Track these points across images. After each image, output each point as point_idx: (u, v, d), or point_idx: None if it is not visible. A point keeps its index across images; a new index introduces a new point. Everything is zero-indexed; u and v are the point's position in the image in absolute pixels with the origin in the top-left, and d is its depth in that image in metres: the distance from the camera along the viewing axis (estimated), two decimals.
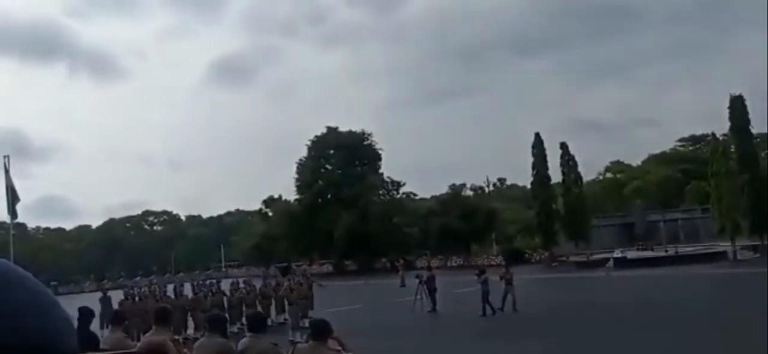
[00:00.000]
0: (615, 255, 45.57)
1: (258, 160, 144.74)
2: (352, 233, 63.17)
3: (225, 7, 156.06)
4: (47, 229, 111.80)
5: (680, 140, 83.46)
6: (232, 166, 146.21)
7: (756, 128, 47.92)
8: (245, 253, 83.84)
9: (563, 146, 55.09)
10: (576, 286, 32.99)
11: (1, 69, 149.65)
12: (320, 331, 6.44)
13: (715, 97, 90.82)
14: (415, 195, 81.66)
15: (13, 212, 19.95)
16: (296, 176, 73.78)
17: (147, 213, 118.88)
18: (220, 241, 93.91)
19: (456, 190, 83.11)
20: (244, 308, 21.35)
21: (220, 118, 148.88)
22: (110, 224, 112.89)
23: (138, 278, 63.36)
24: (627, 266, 41.53)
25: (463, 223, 62.55)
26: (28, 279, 0.74)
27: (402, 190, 76.36)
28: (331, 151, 73.20)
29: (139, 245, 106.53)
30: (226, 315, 19.47)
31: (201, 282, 28.77)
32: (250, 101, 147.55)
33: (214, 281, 27.41)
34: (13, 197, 19.68)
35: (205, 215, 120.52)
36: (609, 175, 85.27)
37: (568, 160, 54.66)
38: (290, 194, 76.48)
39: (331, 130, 73.60)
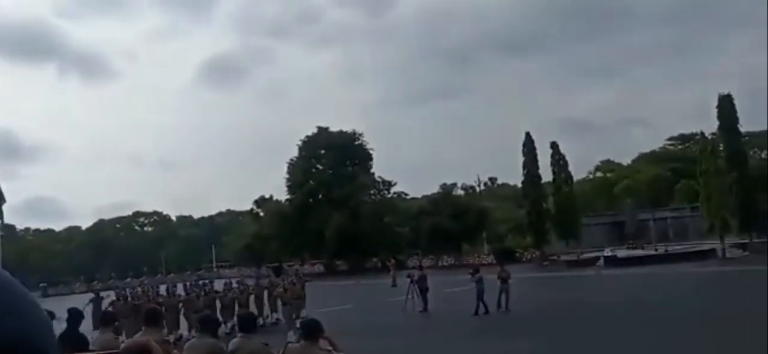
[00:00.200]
0: (605, 254, 45.76)
1: (249, 160, 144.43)
2: (343, 233, 63.14)
3: (215, 8, 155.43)
4: (37, 230, 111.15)
5: (669, 139, 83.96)
6: (223, 166, 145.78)
7: (744, 127, 48.34)
8: (236, 254, 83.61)
9: (554, 146, 55.30)
10: (567, 285, 33.11)
11: None
12: (311, 330, 6.45)
13: (704, 96, 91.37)
14: (406, 195, 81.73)
15: None
16: (287, 176, 73.71)
17: (137, 214, 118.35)
18: (212, 241, 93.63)
19: (447, 189, 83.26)
20: (237, 308, 21.32)
21: (211, 118, 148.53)
22: (100, 225, 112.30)
23: (128, 279, 62.99)
24: (617, 265, 41.74)
25: (454, 223, 62.65)
26: (7, 280, 0.75)
27: (393, 189, 76.44)
28: (322, 151, 73.14)
29: (129, 246, 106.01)
30: (219, 315, 19.54)
31: (193, 282, 28.70)
32: (241, 102, 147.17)
33: (207, 281, 27.36)
34: None
35: (196, 216, 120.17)
36: (599, 174, 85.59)
37: (558, 160, 54.86)
38: (281, 194, 76.44)
39: (322, 130, 73.53)
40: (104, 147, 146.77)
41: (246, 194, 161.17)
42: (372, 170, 73.67)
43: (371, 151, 73.71)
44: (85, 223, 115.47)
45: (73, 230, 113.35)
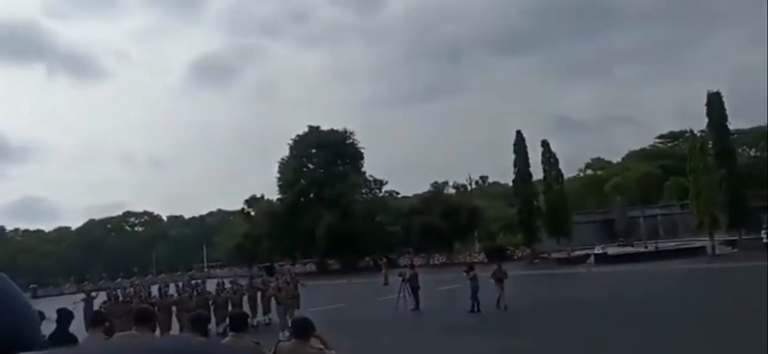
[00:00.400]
0: (596, 251, 45.96)
1: (240, 159, 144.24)
2: (335, 232, 63.06)
3: (205, 7, 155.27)
4: (26, 231, 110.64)
5: (659, 137, 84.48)
6: (213, 166, 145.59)
7: (733, 124, 48.65)
8: (228, 253, 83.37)
9: (544, 144, 55.42)
10: (558, 283, 33.25)
11: None
12: (303, 329, 6.46)
13: (694, 94, 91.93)
14: (397, 193, 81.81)
15: None
16: (278, 175, 73.55)
17: (128, 214, 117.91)
18: (202, 241, 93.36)
19: (438, 188, 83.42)
20: (230, 308, 21.29)
21: (202, 117, 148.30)
22: (90, 225, 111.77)
23: (119, 279, 62.74)
24: (607, 262, 41.90)
25: (445, 222, 62.73)
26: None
27: (384, 188, 76.45)
28: (313, 150, 73.03)
29: (119, 246, 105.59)
30: (212, 315, 19.52)
31: (185, 282, 28.61)
32: (231, 101, 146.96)
33: (200, 281, 27.30)
34: None
35: (186, 216, 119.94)
36: (589, 171, 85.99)
37: (549, 158, 54.98)
38: (272, 194, 76.24)
39: (313, 129, 73.42)
40: (94, 147, 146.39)
41: (237, 194, 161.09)
42: (363, 169, 73.68)
43: (362, 150, 73.74)
44: (75, 224, 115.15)
45: (63, 231, 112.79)
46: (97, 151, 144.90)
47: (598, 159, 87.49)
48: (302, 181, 72.19)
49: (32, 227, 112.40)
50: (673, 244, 47.27)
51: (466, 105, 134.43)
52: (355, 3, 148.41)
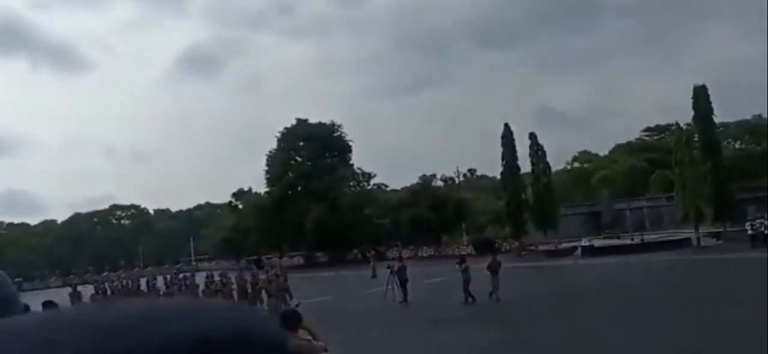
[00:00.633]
0: (583, 243, 46.20)
1: (227, 152, 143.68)
2: (323, 225, 62.98)
3: None
4: (11, 224, 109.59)
5: (645, 130, 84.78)
6: (200, 159, 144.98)
7: (719, 118, 48.97)
8: (215, 247, 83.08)
9: (532, 136, 55.55)
10: (546, 275, 33.39)
11: None
12: (290, 320, 6.46)
13: (680, 88, 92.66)
14: (385, 186, 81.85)
15: None
16: (266, 168, 73.34)
17: (114, 207, 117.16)
18: (190, 234, 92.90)
19: (426, 180, 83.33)
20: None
21: (188, 110, 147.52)
22: (76, 219, 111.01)
23: (106, 273, 62.42)
24: (594, 254, 42.15)
25: (433, 214, 62.79)
26: None
27: (372, 181, 76.44)
28: (301, 143, 72.82)
29: (106, 240, 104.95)
30: None
31: (174, 275, 28.53)
32: (218, 94, 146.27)
33: (188, 274, 27.21)
34: None
35: (173, 209, 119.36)
36: (576, 164, 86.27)
37: (536, 151, 55.13)
38: (260, 187, 76.05)
39: (301, 122, 73.20)
40: (80, 140, 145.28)
41: (224, 187, 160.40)
42: (351, 162, 73.62)
43: (350, 143, 73.67)
44: (61, 217, 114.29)
45: (49, 224, 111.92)
46: (82, 145, 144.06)
47: (585, 152, 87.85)
48: (290, 173, 71.99)
49: (17, 221, 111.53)
50: (658, 236, 47.57)
51: (454, 97, 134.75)
52: None
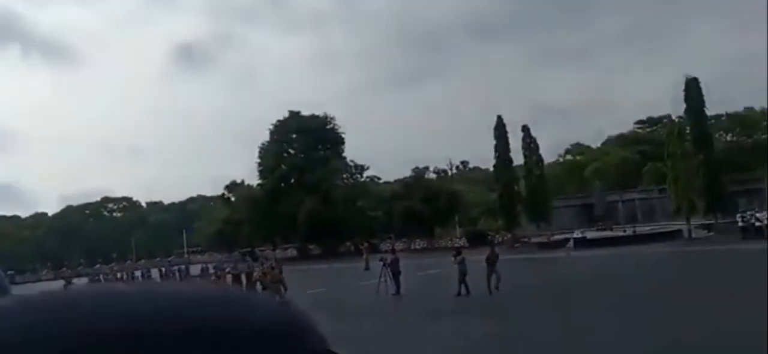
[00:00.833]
0: (575, 235, 46.34)
1: (220, 145, 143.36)
2: (316, 217, 62.95)
3: None
4: (3, 217, 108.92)
5: (638, 122, 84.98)
6: (193, 151, 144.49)
7: (710, 110, 49.14)
8: (208, 239, 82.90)
9: (525, 129, 55.63)
10: (539, 267, 33.47)
11: None
12: None
13: (672, 81, 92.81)
14: (378, 179, 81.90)
15: None
16: (259, 161, 73.20)
17: (106, 199, 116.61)
18: (182, 227, 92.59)
19: (419, 173, 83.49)
20: None
21: (182, 103, 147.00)
22: (67, 212, 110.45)
23: (98, 265, 62.19)
24: (587, 246, 42.29)
25: (426, 207, 62.84)
26: None
27: (365, 173, 76.47)
28: (294, 136, 72.69)
29: (98, 232, 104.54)
30: None
31: (168, 267, 28.51)
32: (211, 87, 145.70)
33: (183, 266, 27.19)
34: None
35: (166, 201, 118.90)
36: (569, 157, 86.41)
37: (529, 143, 55.21)
38: (253, 179, 75.92)
39: (294, 115, 73.05)
40: (72, 133, 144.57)
41: (217, 179, 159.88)
42: (344, 154, 73.64)
43: (343, 135, 73.65)
44: (53, 210, 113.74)
45: (40, 217, 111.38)
46: (74, 138, 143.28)
47: (578, 144, 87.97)
48: (283, 166, 71.89)
49: (9, 213, 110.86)
50: (650, 228, 47.77)
51: (447, 90, 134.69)
52: None
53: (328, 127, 73.16)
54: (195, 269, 24.94)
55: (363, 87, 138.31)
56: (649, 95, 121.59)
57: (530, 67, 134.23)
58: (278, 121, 73.31)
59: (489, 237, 57.43)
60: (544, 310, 17.18)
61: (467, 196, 72.39)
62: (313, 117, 72.98)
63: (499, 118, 56.49)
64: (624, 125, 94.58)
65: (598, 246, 41.43)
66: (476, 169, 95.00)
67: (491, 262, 21.83)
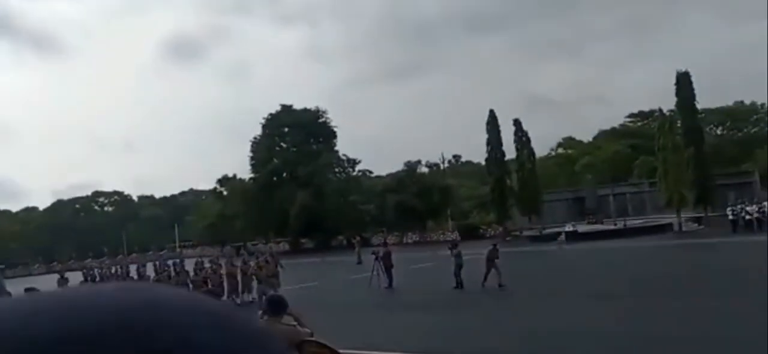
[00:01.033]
0: (567, 229, 46.51)
1: (212, 139, 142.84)
2: (308, 211, 62.95)
3: None
4: None
5: (629, 116, 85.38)
6: (185, 145, 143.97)
7: (701, 104, 49.38)
8: (200, 233, 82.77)
9: (517, 123, 55.76)
10: (531, 260, 33.60)
11: None
12: (276, 306, 6.47)
13: (663, 74, 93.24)
14: (370, 172, 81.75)
15: None
16: (251, 155, 73.01)
17: (97, 194, 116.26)
18: (174, 221, 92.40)
19: (411, 167, 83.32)
20: (210, 287, 21.23)
21: (173, 96, 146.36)
22: (59, 206, 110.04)
23: (89, 260, 61.98)
24: (578, 239, 42.48)
25: (418, 200, 62.89)
26: None
27: (358, 167, 76.37)
28: (286, 129, 72.58)
29: (89, 227, 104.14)
30: None
31: (162, 262, 28.48)
32: (203, 80, 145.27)
33: (178, 261, 27.14)
34: None
35: (157, 195, 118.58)
36: (561, 150, 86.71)
37: (521, 137, 55.36)
38: (245, 173, 75.72)
39: (286, 108, 72.90)
40: (62, 127, 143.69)
41: (209, 173, 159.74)
42: (336, 148, 73.53)
43: (335, 129, 73.57)
44: (43, 204, 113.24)
45: (31, 211, 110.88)
46: (65, 131, 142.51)
47: (570, 138, 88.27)
48: (275, 160, 71.81)
49: None
50: (641, 221, 48.02)
51: (439, 84, 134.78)
52: None
53: (320, 121, 73.08)
54: (189, 264, 24.78)
55: (355, 80, 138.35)
56: (640, 89, 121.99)
57: (522, 61, 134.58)
58: (270, 114, 73.19)
59: (480, 230, 57.83)
60: (535, 303, 17.30)
61: (459, 190, 72.56)
62: (306, 111, 72.89)
63: (492, 111, 56.65)
64: (615, 119, 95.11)
65: (590, 239, 41.64)
66: (468, 162, 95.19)
67: (491, 259, 21.45)
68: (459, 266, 21.45)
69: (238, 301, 22.55)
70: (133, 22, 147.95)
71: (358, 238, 46.31)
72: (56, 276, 26.43)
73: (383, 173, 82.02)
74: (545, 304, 16.98)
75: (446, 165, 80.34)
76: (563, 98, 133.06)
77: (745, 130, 74.13)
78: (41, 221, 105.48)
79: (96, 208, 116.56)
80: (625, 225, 45.86)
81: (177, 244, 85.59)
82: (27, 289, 8.29)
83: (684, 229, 43.76)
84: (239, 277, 23.22)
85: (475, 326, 14.53)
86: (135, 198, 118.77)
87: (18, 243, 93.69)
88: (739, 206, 40.89)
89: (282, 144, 73.19)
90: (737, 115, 74.56)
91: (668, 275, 20.89)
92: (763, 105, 73.17)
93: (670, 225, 44.68)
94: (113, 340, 0.34)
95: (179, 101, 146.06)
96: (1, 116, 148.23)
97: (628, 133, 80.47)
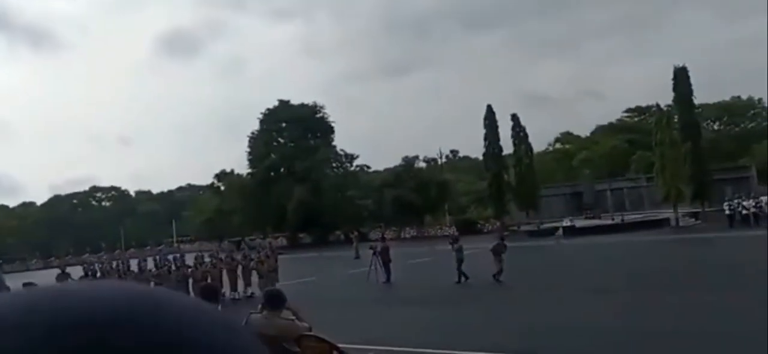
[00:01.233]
0: (564, 223, 46.58)
1: (209, 134, 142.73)
2: (306, 206, 62.97)
3: None
4: None
5: (626, 111, 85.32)
6: (182, 140, 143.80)
7: (699, 99, 49.42)
8: (197, 229, 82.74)
9: (514, 118, 55.79)
10: (530, 255, 33.62)
11: None
12: (274, 300, 6.48)
13: (660, 69, 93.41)
14: (368, 167, 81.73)
15: None
16: (248, 150, 73.03)
17: (94, 189, 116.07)
18: (172, 216, 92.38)
19: (409, 162, 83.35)
20: (210, 281, 21.25)
21: (170, 92, 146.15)
22: (55, 201, 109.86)
23: (86, 255, 61.92)
24: (576, 234, 42.56)
25: (416, 195, 62.92)
26: None
27: (355, 162, 76.37)
28: (284, 125, 72.57)
29: (86, 222, 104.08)
30: (191, 289, 19.41)
31: (162, 257, 28.52)
32: (200, 75, 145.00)
33: (178, 255, 27.17)
34: None
35: (155, 191, 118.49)
36: (558, 145, 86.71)
37: (518, 132, 55.40)
38: (243, 168, 75.76)
39: (283, 104, 72.86)
40: (59, 122, 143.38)
41: (206, 169, 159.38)
42: (334, 143, 73.57)
43: (333, 124, 73.59)
44: (41, 199, 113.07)
45: (28, 206, 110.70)
46: (62, 127, 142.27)
47: (567, 133, 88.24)
48: (273, 155, 71.78)
49: None
50: (638, 216, 48.10)
51: (437, 79, 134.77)
52: None
53: (317, 116, 73.06)
54: (189, 259, 24.79)
55: (353, 75, 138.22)
56: (637, 84, 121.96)
57: (520, 56, 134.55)
58: (268, 109, 73.17)
59: (477, 225, 57.88)
60: (534, 297, 17.35)
61: (457, 185, 72.58)
62: (303, 106, 72.84)
63: (489, 107, 56.65)
64: (613, 114, 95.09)
65: (587, 234, 41.73)
66: (466, 158, 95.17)
67: (498, 252, 21.21)
68: (460, 261, 21.46)
69: (236, 295, 22.60)
70: (129, 18, 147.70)
71: (355, 233, 46.29)
72: (53, 271, 26.48)
73: (381, 168, 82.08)
74: (543, 298, 17.03)
75: (444, 160, 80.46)
76: (560, 94, 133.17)
77: (742, 125, 74.20)
78: (38, 216, 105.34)
79: (93, 203, 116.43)
80: (622, 220, 45.93)
81: (174, 240, 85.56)
82: (25, 284, 8.30)
83: (681, 224, 43.85)
84: (240, 272, 23.27)
85: (473, 321, 14.55)
86: (132, 193, 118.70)
87: (15, 238, 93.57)
88: (735, 201, 41.02)
89: (279, 139, 73.18)
90: (734, 110, 74.63)
91: (665, 270, 20.96)
92: (760, 100, 73.41)
93: (668, 220, 44.76)
94: (111, 334, 0.35)
95: (175, 97, 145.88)
96: None
97: (626, 128, 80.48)
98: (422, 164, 79.43)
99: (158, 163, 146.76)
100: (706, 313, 12.76)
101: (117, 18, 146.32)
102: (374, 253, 24.34)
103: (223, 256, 25.03)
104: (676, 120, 47.42)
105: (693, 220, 45.18)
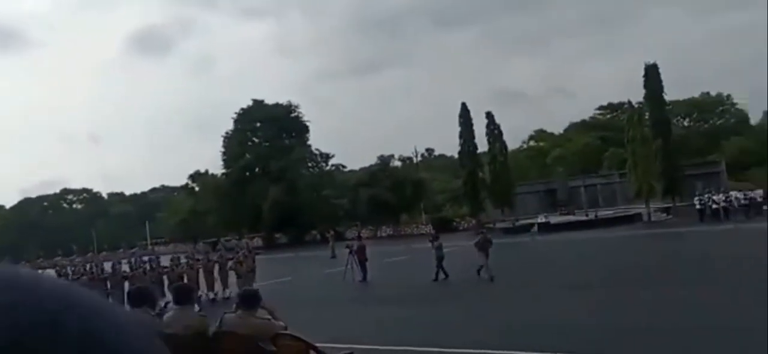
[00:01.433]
0: (539, 220, 46.97)
1: (182, 134, 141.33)
2: (281, 206, 62.66)
3: None
4: None
5: (599, 108, 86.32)
6: (155, 141, 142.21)
7: (669, 95, 50.16)
8: (171, 230, 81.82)
9: (489, 116, 56.07)
10: (505, 251, 33.77)
11: None
12: (249, 300, 6.41)
13: (632, 67, 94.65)
14: (343, 167, 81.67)
15: None
16: (223, 150, 72.46)
17: (65, 191, 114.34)
18: (145, 218, 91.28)
19: (385, 161, 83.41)
20: (186, 282, 21.01)
21: (142, 91, 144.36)
22: (25, 204, 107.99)
23: (58, 258, 60.88)
24: (550, 231, 42.98)
25: (392, 194, 62.96)
26: None
27: (331, 162, 76.24)
28: (258, 124, 72.14)
29: (57, 225, 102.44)
30: (166, 289, 19.17)
31: (137, 258, 28.21)
32: (172, 74, 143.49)
33: (153, 257, 26.91)
34: None
35: (128, 192, 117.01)
36: (532, 143, 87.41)
37: (493, 130, 55.69)
38: (217, 169, 75.14)
39: (258, 103, 72.44)
40: (29, 123, 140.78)
41: (180, 169, 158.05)
42: (309, 143, 73.30)
43: (308, 124, 73.34)
44: (10, 202, 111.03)
45: None
46: (32, 128, 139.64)
47: (541, 131, 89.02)
48: (247, 155, 71.32)
49: None
50: (611, 212, 48.69)
51: (411, 77, 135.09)
52: None
53: (292, 115, 72.74)
54: (165, 260, 24.49)
55: (325, 74, 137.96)
56: (609, 82, 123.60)
57: (493, 54, 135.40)
58: (242, 109, 72.69)
59: (453, 223, 58.11)
60: (510, 294, 17.44)
61: (432, 183, 72.81)
62: (277, 105, 72.48)
63: (464, 105, 56.88)
64: (585, 111, 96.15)
65: (561, 230, 42.16)
66: (441, 156, 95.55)
67: (484, 248, 20.93)
68: (440, 258, 21.48)
69: (213, 295, 22.36)
70: (98, 16, 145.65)
71: (331, 233, 46.17)
72: None
73: (356, 167, 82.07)
74: (520, 295, 17.13)
75: (419, 159, 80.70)
76: (534, 91, 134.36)
77: (712, 122, 75.53)
78: (8, 220, 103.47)
79: (65, 205, 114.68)
80: (596, 216, 46.45)
81: (148, 241, 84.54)
82: None
83: (653, 219, 44.49)
84: (216, 273, 23.04)
85: (451, 319, 14.57)
86: (104, 195, 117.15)
87: None
88: (706, 196, 41.71)
89: (254, 139, 72.73)
90: (704, 106, 75.89)
91: (638, 265, 21.23)
92: (729, 96, 74.87)
93: (640, 215, 45.39)
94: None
95: (147, 96, 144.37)
96: None
97: (598, 125, 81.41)
98: (398, 163, 79.64)
99: (130, 163, 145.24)
100: (679, 309, 12.92)
101: (86, 16, 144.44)
102: (350, 252, 24.26)
103: (199, 257, 24.74)
104: (647, 117, 48.06)
105: (665, 215, 45.86)
